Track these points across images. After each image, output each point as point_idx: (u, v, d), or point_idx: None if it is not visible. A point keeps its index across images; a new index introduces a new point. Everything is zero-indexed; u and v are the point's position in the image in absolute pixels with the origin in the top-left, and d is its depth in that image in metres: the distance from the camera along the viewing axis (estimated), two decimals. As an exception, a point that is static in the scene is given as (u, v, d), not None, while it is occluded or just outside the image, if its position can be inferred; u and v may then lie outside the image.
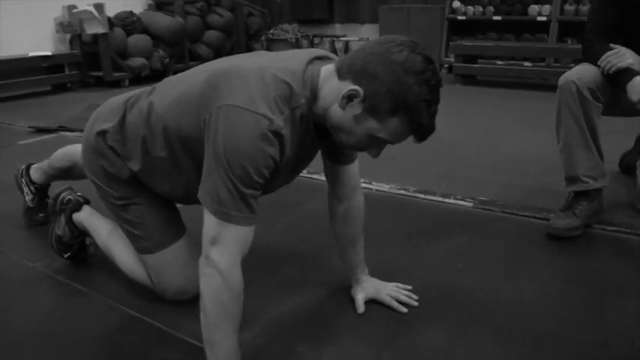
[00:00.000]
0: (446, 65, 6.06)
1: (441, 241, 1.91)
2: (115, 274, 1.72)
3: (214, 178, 1.07)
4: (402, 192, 2.39)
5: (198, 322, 1.14)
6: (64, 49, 5.66)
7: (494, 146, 3.12)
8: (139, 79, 5.75)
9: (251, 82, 1.08)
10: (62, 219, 1.75)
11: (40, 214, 2.06)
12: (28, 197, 2.05)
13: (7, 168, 2.83)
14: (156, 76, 5.96)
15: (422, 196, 2.34)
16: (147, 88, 1.42)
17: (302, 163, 1.30)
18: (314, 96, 1.13)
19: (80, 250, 1.77)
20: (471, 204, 2.23)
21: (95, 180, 1.47)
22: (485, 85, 5.26)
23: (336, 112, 1.10)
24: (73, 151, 1.84)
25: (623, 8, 1.85)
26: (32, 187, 2.04)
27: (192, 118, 1.16)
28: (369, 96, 1.05)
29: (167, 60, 5.92)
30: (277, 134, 1.07)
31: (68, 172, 1.89)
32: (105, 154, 1.42)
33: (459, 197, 2.29)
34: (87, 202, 1.77)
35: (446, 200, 2.28)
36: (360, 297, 1.51)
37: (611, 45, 1.80)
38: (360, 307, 1.49)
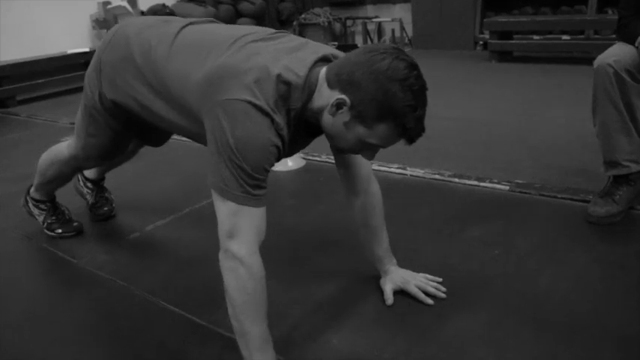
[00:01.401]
0: (481, 42, 5.92)
1: (477, 227, 1.89)
2: (155, 270, 1.78)
3: (227, 167, 1.10)
4: (437, 176, 2.37)
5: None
6: (101, 44, 5.78)
7: (530, 126, 3.04)
8: (173, 70, 5.84)
9: (256, 78, 1.11)
10: (32, 209, 2.03)
11: (105, 208, 2.16)
12: (88, 196, 2.17)
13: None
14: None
15: (457, 180, 2.31)
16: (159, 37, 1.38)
17: (291, 153, 1.34)
18: (310, 98, 1.17)
19: (67, 222, 2.02)
20: (507, 187, 2.18)
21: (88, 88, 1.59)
22: (522, 62, 5.13)
23: (328, 119, 1.15)
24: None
25: None
26: (89, 184, 2.17)
27: (193, 95, 1.21)
28: (356, 104, 1.09)
29: (200, 50, 5.98)
30: (279, 129, 1.13)
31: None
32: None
33: (495, 181, 2.25)
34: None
35: (481, 184, 2.25)
36: (389, 288, 1.51)
37: None
38: (389, 299, 1.49)
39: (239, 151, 1.08)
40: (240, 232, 1.12)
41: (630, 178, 1.84)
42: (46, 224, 2.02)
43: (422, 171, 2.43)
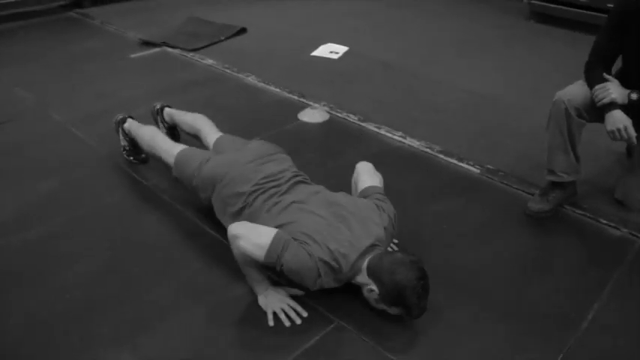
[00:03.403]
0: (527, -6, 6.02)
1: (440, 203, 2.46)
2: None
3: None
4: (428, 150, 2.90)
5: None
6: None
7: (534, 107, 3.35)
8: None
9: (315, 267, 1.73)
10: (119, 133, 2.70)
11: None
12: (162, 130, 2.76)
13: (128, 83, 3.61)
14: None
15: (442, 156, 2.84)
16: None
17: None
18: (355, 274, 1.81)
19: (138, 153, 2.69)
20: (478, 171, 2.73)
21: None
22: (562, 26, 5.04)
23: (366, 292, 1.83)
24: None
25: (624, 41, 2.18)
26: (166, 125, 2.79)
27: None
28: (381, 293, 1.76)
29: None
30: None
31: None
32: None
33: (471, 163, 2.78)
34: (130, 117, 2.69)
35: (460, 164, 2.78)
36: None
37: (605, 76, 2.17)
38: None
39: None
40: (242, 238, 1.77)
41: (563, 185, 2.39)
42: (123, 149, 2.72)
43: (418, 143, 2.98)
